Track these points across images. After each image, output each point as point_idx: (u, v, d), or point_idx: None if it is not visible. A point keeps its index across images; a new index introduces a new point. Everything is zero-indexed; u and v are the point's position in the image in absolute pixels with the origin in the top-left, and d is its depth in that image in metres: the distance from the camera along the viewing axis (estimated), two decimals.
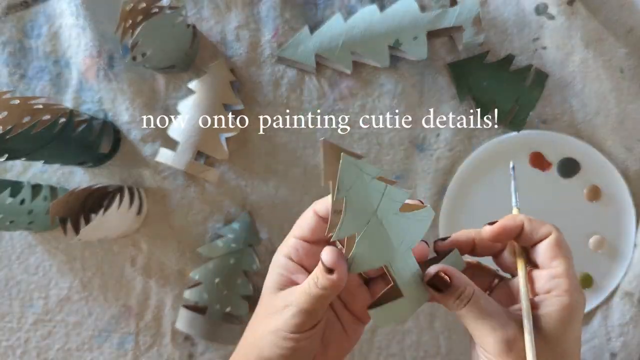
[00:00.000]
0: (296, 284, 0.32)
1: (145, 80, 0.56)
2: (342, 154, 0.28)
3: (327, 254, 0.29)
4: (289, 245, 0.33)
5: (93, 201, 0.52)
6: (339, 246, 0.31)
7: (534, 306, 0.30)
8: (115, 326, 0.57)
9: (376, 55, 0.54)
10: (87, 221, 0.51)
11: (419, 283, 0.31)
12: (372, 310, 0.30)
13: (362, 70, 0.56)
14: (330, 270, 0.28)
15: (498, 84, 0.55)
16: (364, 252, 0.29)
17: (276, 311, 0.31)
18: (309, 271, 0.32)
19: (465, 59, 0.55)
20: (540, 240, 0.31)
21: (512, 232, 0.31)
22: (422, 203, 0.32)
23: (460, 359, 0.56)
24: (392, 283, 0.30)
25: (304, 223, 0.33)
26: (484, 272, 0.35)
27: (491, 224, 0.32)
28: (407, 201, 0.31)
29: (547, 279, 0.30)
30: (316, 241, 0.33)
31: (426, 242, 0.33)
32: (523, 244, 0.32)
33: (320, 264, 0.29)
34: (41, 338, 0.57)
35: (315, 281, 0.29)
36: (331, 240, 0.29)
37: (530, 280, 0.32)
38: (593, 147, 0.55)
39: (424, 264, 0.31)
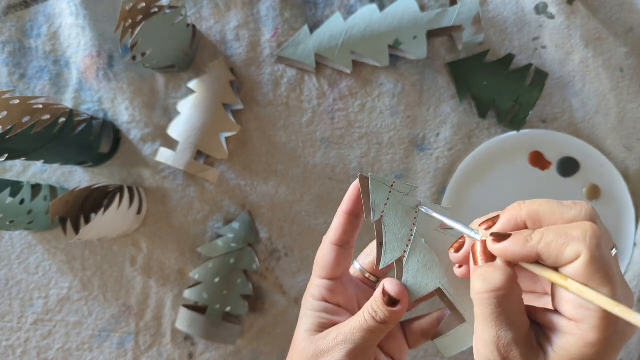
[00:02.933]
0: (336, 324, 0.30)
1: (145, 79, 0.56)
2: (369, 174, 0.27)
3: (391, 285, 0.28)
4: (318, 286, 0.31)
5: (93, 201, 0.52)
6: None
7: (551, 327, 0.24)
8: (115, 326, 0.57)
9: (376, 55, 0.54)
10: (87, 221, 0.51)
11: None
12: (437, 341, 0.29)
13: (362, 69, 0.56)
14: (393, 302, 0.27)
15: (498, 83, 0.55)
16: (415, 277, 0.28)
17: (322, 354, 0.29)
18: (347, 310, 0.31)
19: (465, 59, 0.55)
20: (568, 264, 0.22)
21: (522, 259, 0.24)
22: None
23: (461, 358, 0.56)
24: (447, 306, 0.28)
25: (325, 260, 0.31)
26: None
27: (498, 238, 0.24)
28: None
29: (575, 307, 0.23)
30: (341, 277, 0.32)
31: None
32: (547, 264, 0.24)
33: (377, 297, 0.28)
34: (41, 338, 0.57)
35: (372, 315, 0.28)
36: (379, 268, 0.28)
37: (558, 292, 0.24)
38: (593, 147, 0.55)
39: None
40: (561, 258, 0.22)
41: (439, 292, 0.28)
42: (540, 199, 0.25)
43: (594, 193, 0.55)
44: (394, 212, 0.28)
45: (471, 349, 0.27)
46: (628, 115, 0.55)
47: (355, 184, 0.29)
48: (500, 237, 0.24)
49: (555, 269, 0.23)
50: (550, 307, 0.25)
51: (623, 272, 0.55)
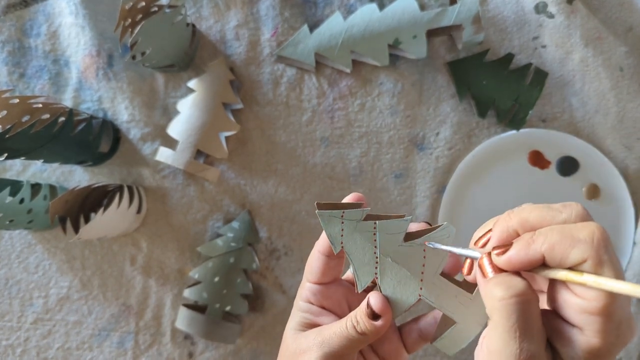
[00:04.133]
0: (319, 325, 0.31)
1: (145, 79, 0.56)
2: (317, 211, 0.28)
3: (375, 300, 0.28)
4: (306, 289, 0.32)
5: (92, 200, 0.52)
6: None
7: (556, 333, 0.24)
8: (115, 325, 0.57)
9: (376, 54, 0.54)
10: (87, 220, 0.51)
11: (464, 302, 0.27)
12: (436, 343, 0.29)
13: (361, 69, 0.56)
14: (376, 317, 0.28)
15: (498, 82, 0.55)
16: (394, 294, 0.28)
17: (302, 352, 0.29)
18: (332, 312, 0.32)
19: (464, 58, 0.55)
20: (573, 267, 0.22)
21: (528, 265, 0.23)
22: (430, 224, 0.29)
23: (460, 358, 0.56)
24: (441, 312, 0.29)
25: (313, 267, 0.32)
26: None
27: (501, 251, 0.24)
28: (413, 226, 0.29)
29: (578, 312, 0.22)
30: (329, 282, 0.32)
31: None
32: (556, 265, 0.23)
33: (362, 308, 0.28)
34: (41, 337, 0.57)
35: (354, 324, 0.28)
36: (358, 292, 0.29)
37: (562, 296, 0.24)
38: (592, 146, 0.55)
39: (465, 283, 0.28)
40: (566, 261, 0.22)
41: (422, 300, 0.29)
42: (528, 205, 0.24)
43: (594, 192, 0.56)
44: (352, 240, 0.28)
45: (471, 347, 0.27)
46: (628, 114, 0.55)
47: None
48: (502, 248, 0.24)
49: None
50: (545, 306, 0.25)
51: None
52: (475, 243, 0.26)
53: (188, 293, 0.53)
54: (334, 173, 0.56)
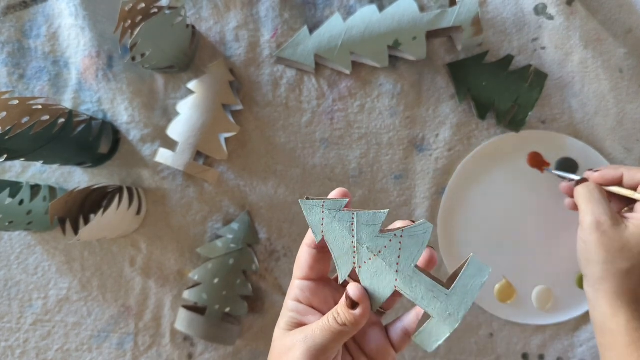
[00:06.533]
0: (306, 324, 0.31)
1: (145, 80, 0.56)
2: (299, 200, 0.29)
3: (353, 290, 0.29)
4: (294, 287, 0.33)
5: (92, 201, 0.52)
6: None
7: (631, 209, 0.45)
8: (115, 326, 0.56)
9: (375, 56, 0.54)
10: (86, 221, 0.51)
11: (440, 297, 0.28)
12: (414, 338, 0.29)
13: (361, 70, 0.56)
14: (354, 305, 0.29)
15: (497, 84, 0.55)
16: (372, 285, 0.29)
17: (287, 350, 0.30)
18: (319, 311, 0.32)
19: (464, 59, 0.55)
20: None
21: (612, 181, 0.46)
22: (413, 222, 0.30)
23: (460, 358, 0.56)
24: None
25: (301, 262, 0.33)
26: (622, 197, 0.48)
27: (595, 171, 0.48)
28: (398, 223, 0.30)
29: None
30: (318, 279, 0.33)
31: (432, 247, 0.32)
32: (629, 187, 0.46)
33: (343, 300, 0.29)
34: (40, 338, 0.57)
35: (335, 316, 0.29)
36: (340, 283, 0.30)
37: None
38: (592, 147, 0.55)
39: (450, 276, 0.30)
40: (634, 179, 0.45)
41: (398, 293, 0.29)
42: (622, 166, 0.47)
43: None
44: (331, 229, 0.30)
45: (449, 341, 0.27)
46: (627, 116, 0.55)
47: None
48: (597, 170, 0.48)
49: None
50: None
51: None
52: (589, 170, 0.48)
53: (187, 294, 0.53)
54: (333, 174, 0.57)
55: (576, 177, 0.50)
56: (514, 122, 0.55)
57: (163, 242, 0.56)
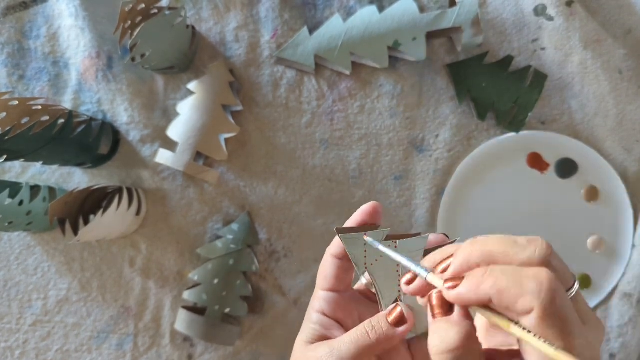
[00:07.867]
0: (330, 339, 0.31)
1: (145, 81, 0.56)
2: (340, 235, 0.28)
3: (403, 308, 0.28)
4: (319, 298, 0.32)
5: (92, 202, 0.52)
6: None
7: None
8: (114, 327, 0.56)
9: (375, 56, 0.54)
10: (86, 222, 0.51)
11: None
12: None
13: (361, 71, 0.56)
14: (398, 323, 0.28)
15: (497, 85, 0.55)
16: (415, 307, 0.29)
17: None
18: (343, 325, 0.31)
19: (464, 60, 0.55)
20: (520, 315, 0.21)
21: (476, 304, 0.23)
22: (447, 236, 0.30)
23: None
24: None
25: (326, 273, 0.32)
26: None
27: (452, 285, 0.23)
28: (432, 237, 0.30)
29: (540, 359, 0.22)
30: (344, 290, 0.32)
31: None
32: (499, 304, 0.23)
33: (383, 314, 0.29)
34: (40, 339, 0.57)
35: (368, 330, 0.28)
36: (382, 311, 0.29)
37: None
38: (591, 148, 0.55)
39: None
40: (513, 308, 0.21)
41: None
42: (494, 237, 0.24)
43: (593, 194, 0.56)
44: (375, 262, 0.29)
45: None
46: (627, 116, 0.55)
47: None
48: (454, 282, 0.23)
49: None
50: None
51: (621, 273, 0.55)
52: (435, 267, 0.25)
53: (187, 295, 0.53)
54: (333, 175, 0.57)
55: (410, 265, 0.26)
56: (513, 122, 0.55)
57: (163, 243, 0.56)
